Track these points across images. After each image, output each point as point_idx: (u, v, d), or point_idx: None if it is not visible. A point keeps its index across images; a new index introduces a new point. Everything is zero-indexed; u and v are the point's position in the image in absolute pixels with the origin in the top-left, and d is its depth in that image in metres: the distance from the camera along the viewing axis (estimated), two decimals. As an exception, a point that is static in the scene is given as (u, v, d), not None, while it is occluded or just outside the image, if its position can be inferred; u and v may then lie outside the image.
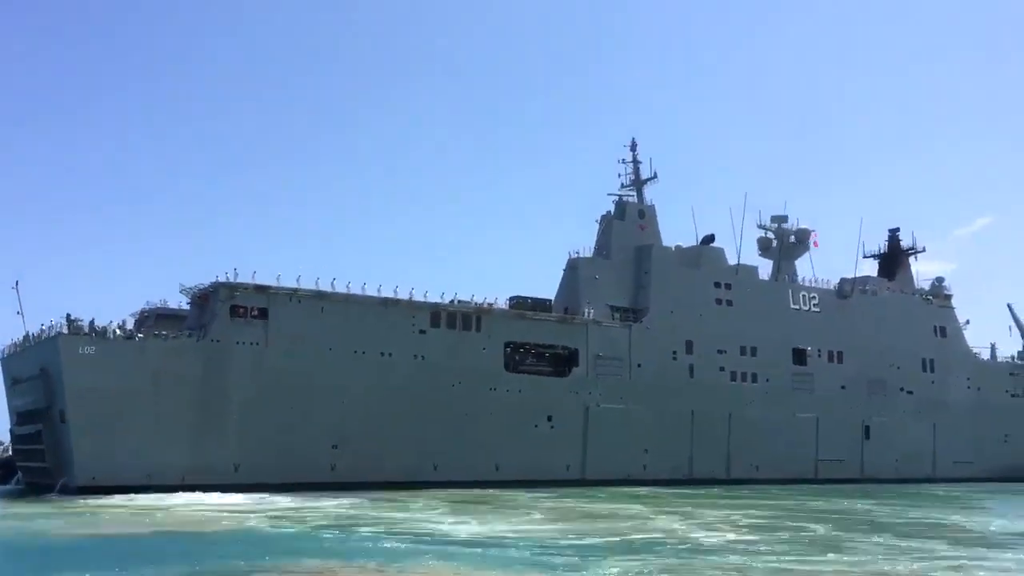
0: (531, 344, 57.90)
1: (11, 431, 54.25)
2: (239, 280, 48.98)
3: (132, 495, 41.97)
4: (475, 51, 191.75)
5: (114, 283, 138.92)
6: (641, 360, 61.48)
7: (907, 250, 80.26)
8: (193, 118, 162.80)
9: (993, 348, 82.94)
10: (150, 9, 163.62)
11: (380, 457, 51.08)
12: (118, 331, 46.77)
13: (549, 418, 57.64)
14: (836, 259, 73.21)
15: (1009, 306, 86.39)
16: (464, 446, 53.89)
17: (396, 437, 51.73)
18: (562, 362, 58.87)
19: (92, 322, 46.78)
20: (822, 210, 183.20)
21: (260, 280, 49.80)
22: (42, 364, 46.78)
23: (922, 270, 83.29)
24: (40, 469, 47.67)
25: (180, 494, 43.15)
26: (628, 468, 59.44)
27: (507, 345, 56.83)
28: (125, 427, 44.60)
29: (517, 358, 57.28)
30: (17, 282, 48.03)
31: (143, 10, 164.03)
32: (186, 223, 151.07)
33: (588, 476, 57.97)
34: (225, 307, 48.27)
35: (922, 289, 79.12)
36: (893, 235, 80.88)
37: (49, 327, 46.37)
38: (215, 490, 44.47)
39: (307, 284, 51.12)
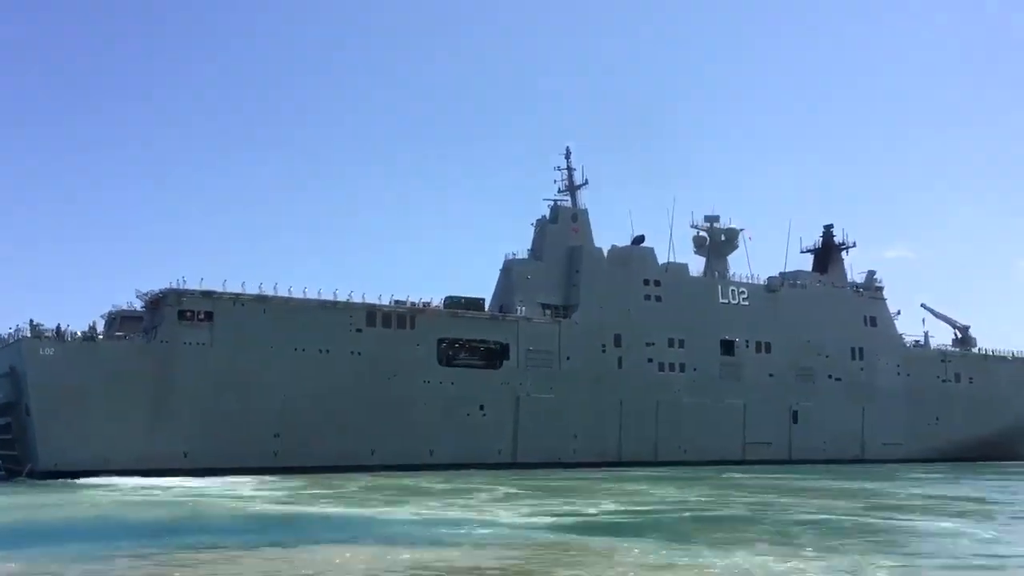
0: (464, 340, 63.27)
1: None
2: (187, 287, 54.67)
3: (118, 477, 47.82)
4: (418, 58, 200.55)
5: (89, 286, 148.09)
6: (570, 353, 66.73)
7: (840, 245, 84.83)
8: (144, 128, 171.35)
9: (926, 336, 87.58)
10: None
11: (320, 444, 56.63)
12: (78, 334, 52.58)
13: (481, 407, 63.04)
14: (778, 255, 78.47)
15: (923, 305, 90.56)
16: (400, 433, 59.33)
17: (335, 426, 57.25)
18: (494, 356, 64.22)
19: (58, 326, 52.67)
20: (767, 209, 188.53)
21: (208, 286, 55.52)
22: (11, 364, 52.63)
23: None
24: (11, 456, 53.58)
25: (136, 478, 48.93)
26: (558, 452, 64.70)
27: (440, 341, 62.24)
28: (82, 419, 50.31)
29: (451, 353, 62.69)
30: None
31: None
32: (148, 230, 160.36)
33: (519, 459, 63.30)
34: (173, 312, 53.97)
35: (854, 282, 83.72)
36: (827, 231, 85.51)
37: (16, 331, 52.22)
38: (166, 474, 50.15)
39: (251, 289, 56.85)
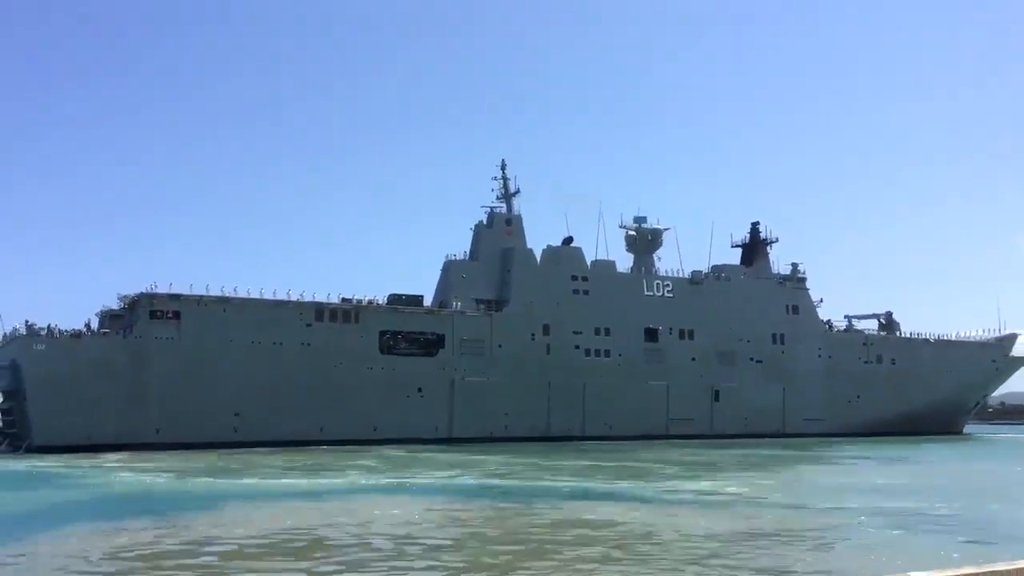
0: (404, 332, 73.00)
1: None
2: (157, 291, 65.02)
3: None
4: (367, 71, 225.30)
5: (89, 286, 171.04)
6: (501, 342, 76.10)
7: (764, 240, 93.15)
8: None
9: (850, 321, 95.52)
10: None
11: (276, 422, 66.61)
12: (66, 332, 63.14)
13: (419, 389, 72.69)
14: (709, 251, 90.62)
15: (847, 316, 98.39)
16: (345, 413, 69.15)
17: (287, 407, 67.21)
18: (431, 345, 73.82)
19: (49, 326, 63.38)
20: (700, 209, 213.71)
21: (176, 289, 65.83)
22: (12, 357, 63.32)
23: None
24: (14, 434, 64.26)
25: (118, 452, 59.15)
26: (490, 428, 74.09)
27: (382, 333, 72.02)
28: (69, 403, 60.81)
29: (392, 343, 72.43)
30: None
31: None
32: (133, 236, 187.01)
33: (455, 435, 72.78)
34: (146, 312, 64.38)
35: (779, 274, 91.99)
36: (754, 228, 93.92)
37: (15, 330, 62.96)
38: (140, 449, 60.33)
39: (215, 290, 67.18)
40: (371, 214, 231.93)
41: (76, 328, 65.49)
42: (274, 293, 69.30)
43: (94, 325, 67.55)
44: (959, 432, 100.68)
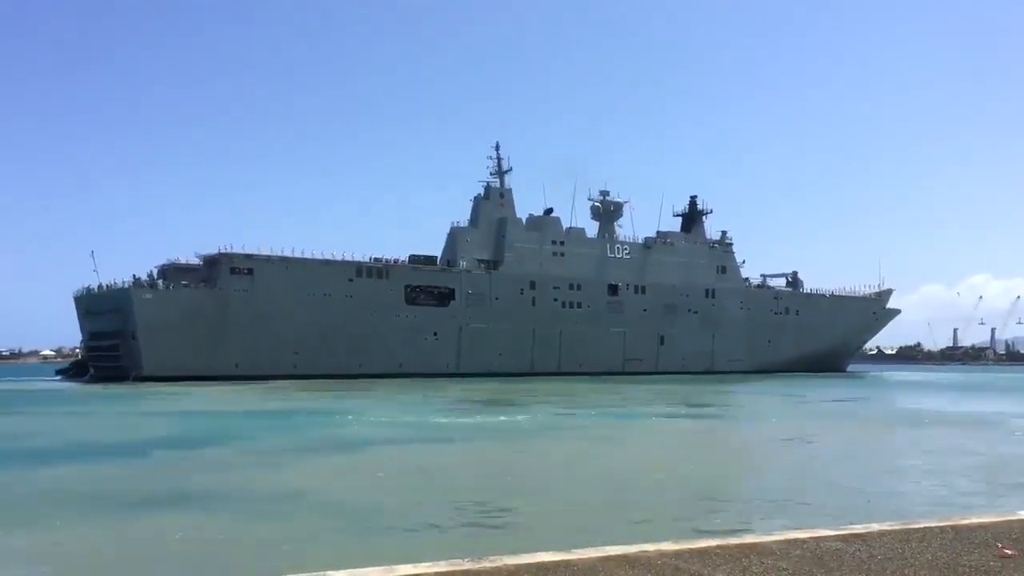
0: (423, 286, 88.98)
1: (85, 343, 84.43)
2: (235, 251, 79.18)
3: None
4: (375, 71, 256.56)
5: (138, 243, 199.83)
6: (498, 295, 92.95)
7: (700, 211, 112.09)
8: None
9: (764, 279, 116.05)
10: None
11: (325, 359, 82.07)
12: (162, 284, 76.98)
13: (435, 334, 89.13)
14: (658, 219, 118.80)
15: (762, 275, 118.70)
16: (378, 352, 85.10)
17: (334, 347, 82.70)
18: (444, 297, 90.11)
19: (152, 278, 77.12)
20: (653, 183, 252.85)
21: (248, 250, 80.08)
22: (115, 304, 76.77)
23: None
24: (113, 367, 77.89)
25: (205, 382, 73.74)
26: (489, 365, 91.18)
27: (407, 287, 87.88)
28: (170, 341, 75.02)
29: (414, 295, 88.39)
30: (92, 251, 78.90)
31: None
32: (190, 199, 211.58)
33: (461, 371, 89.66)
34: (226, 268, 78.56)
35: (711, 239, 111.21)
36: (692, 200, 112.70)
37: (123, 281, 76.49)
38: (223, 379, 75.03)
39: (277, 252, 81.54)
40: (389, 184, 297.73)
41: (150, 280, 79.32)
42: (323, 254, 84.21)
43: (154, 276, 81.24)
44: (843, 371, 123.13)
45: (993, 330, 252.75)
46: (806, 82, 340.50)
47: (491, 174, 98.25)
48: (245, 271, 79.33)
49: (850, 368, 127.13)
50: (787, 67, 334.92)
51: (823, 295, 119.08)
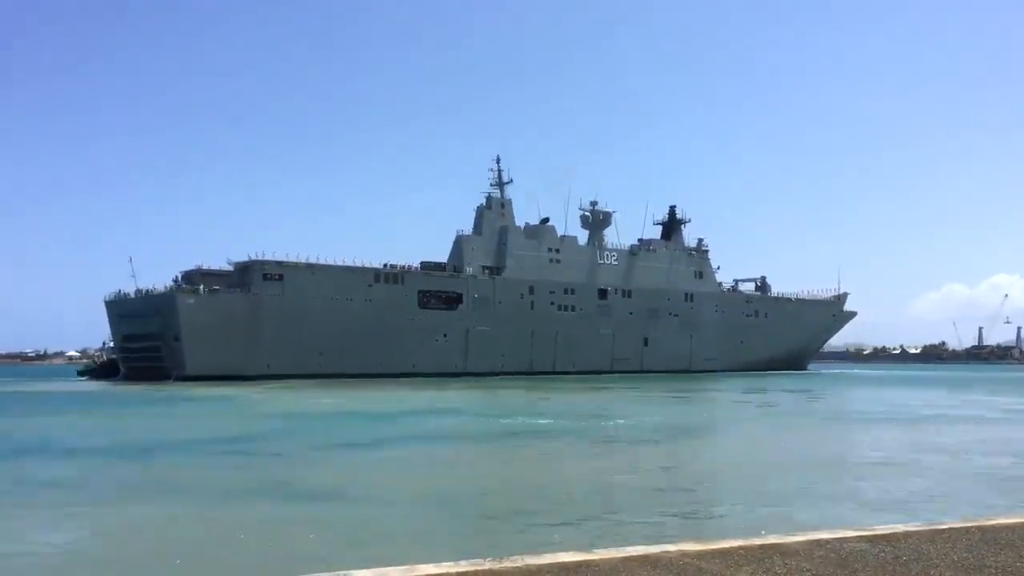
0: (434, 291, 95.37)
1: (119, 345, 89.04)
2: (266, 258, 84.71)
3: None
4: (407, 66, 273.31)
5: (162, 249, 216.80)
6: (501, 299, 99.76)
7: (679, 220, 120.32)
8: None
9: (735, 284, 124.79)
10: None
11: (346, 359, 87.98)
12: (203, 289, 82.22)
13: (445, 335, 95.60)
14: (643, 228, 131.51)
15: (735, 279, 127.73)
16: (394, 353, 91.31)
17: (355, 348, 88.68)
18: (453, 301, 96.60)
19: (176, 280, 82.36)
20: (637, 194, 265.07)
21: (278, 257, 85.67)
22: (155, 307, 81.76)
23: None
24: (152, 368, 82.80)
25: (242, 382, 79.21)
26: (492, 365, 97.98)
27: (420, 292, 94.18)
28: (210, 343, 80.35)
29: (426, 300, 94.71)
30: (131, 257, 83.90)
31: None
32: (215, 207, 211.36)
33: (468, 370, 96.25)
34: (259, 274, 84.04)
35: (689, 247, 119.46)
36: (671, 210, 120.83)
37: (163, 286, 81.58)
38: (256, 379, 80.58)
39: (303, 259, 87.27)
40: (394, 192, 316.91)
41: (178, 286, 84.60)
42: (343, 261, 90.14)
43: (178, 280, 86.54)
44: (804, 369, 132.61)
45: (1019, 329, 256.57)
46: (800, 85, 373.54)
47: (491, 185, 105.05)
48: (276, 277, 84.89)
49: (810, 367, 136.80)
50: (784, 69, 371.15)
51: (788, 299, 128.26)
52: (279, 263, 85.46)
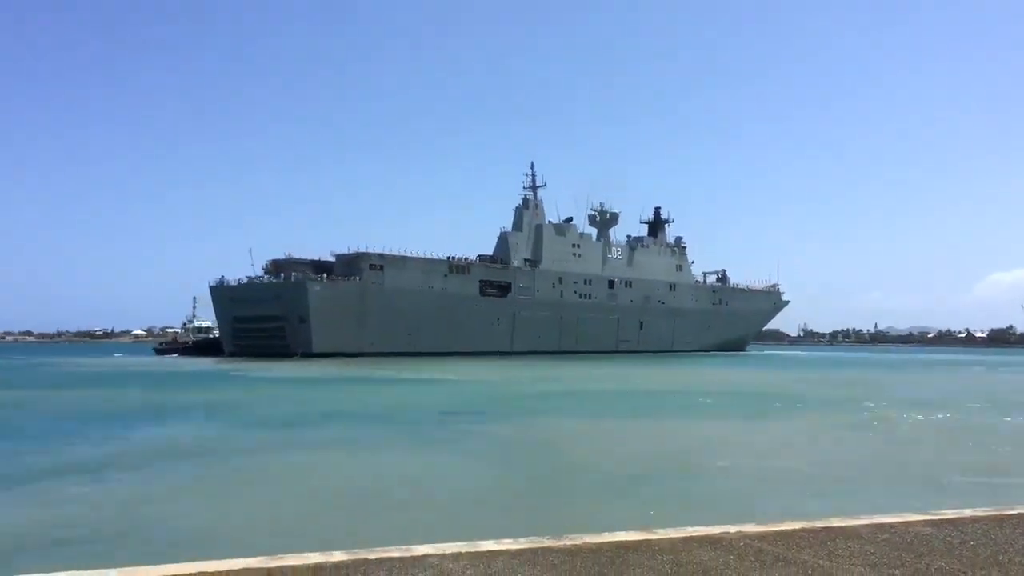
0: (490, 280, 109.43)
1: (229, 326, 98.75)
2: (369, 251, 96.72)
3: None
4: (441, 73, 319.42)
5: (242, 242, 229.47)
6: (539, 288, 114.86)
7: (663, 220, 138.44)
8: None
9: (705, 276, 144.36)
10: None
11: (428, 340, 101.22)
12: (325, 278, 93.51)
13: (498, 319, 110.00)
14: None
15: (704, 272, 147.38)
16: (462, 333, 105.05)
17: (432, 329, 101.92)
18: (504, 290, 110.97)
19: (266, 268, 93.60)
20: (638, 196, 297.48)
21: (377, 249, 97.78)
22: (277, 293, 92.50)
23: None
24: (269, 345, 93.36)
25: (348, 358, 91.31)
26: (532, 345, 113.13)
27: (480, 282, 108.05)
28: (330, 324, 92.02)
29: (485, 288, 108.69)
30: (251, 249, 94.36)
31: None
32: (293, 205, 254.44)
33: (515, 349, 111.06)
34: (366, 264, 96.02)
35: (671, 243, 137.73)
36: (656, 211, 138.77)
37: (294, 277, 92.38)
38: (361, 356, 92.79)
39: (398, 252, 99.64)
40: (446, 193, 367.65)
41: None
42: (426, 254, 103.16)
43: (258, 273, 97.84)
44: (744, 350, 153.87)
45: None
46: (799, 83, 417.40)
47: (524, 188, 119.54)
48: (379, 267, 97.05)
49: (749, 348, 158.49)
50: (780, 72, 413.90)
51: (742, 289, 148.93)
52: (380, 255, 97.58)
